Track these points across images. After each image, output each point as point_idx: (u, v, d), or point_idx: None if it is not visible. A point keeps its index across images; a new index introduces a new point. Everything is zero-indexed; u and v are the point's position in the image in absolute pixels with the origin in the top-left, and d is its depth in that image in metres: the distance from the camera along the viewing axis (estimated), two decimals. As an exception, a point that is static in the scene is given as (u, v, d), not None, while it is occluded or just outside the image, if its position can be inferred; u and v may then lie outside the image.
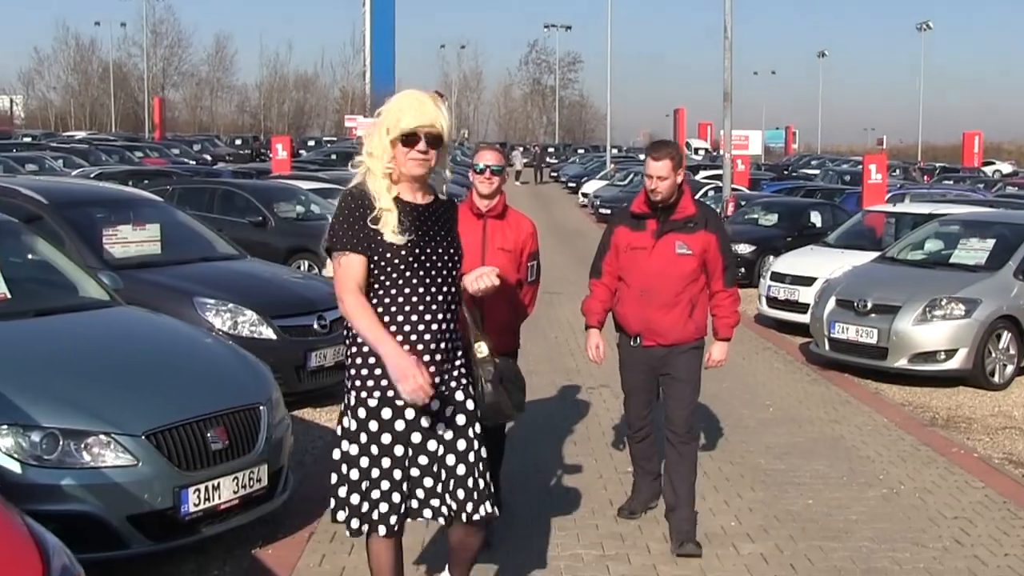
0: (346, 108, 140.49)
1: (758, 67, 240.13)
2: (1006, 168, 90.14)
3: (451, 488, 5.86)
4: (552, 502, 9.33)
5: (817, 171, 66.80)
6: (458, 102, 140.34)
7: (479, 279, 5.99)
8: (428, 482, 5.84)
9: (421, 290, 5.76)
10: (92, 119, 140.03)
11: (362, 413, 5.75)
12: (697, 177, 45.93)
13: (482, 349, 6.13)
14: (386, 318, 5.70)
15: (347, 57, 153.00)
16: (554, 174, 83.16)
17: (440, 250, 5.84)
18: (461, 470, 5.86)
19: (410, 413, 5.73)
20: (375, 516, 5.78)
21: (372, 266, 5.71)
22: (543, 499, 9.44)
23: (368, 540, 5.94)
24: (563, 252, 29.94)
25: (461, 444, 5.89)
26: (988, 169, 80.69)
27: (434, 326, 5.78)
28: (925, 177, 65.62)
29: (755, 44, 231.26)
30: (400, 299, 5.74)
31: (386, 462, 5.75)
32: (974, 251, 16.34)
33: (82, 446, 6.74)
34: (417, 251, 5.76)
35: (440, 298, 5.82)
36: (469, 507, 5.86)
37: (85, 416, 6.75)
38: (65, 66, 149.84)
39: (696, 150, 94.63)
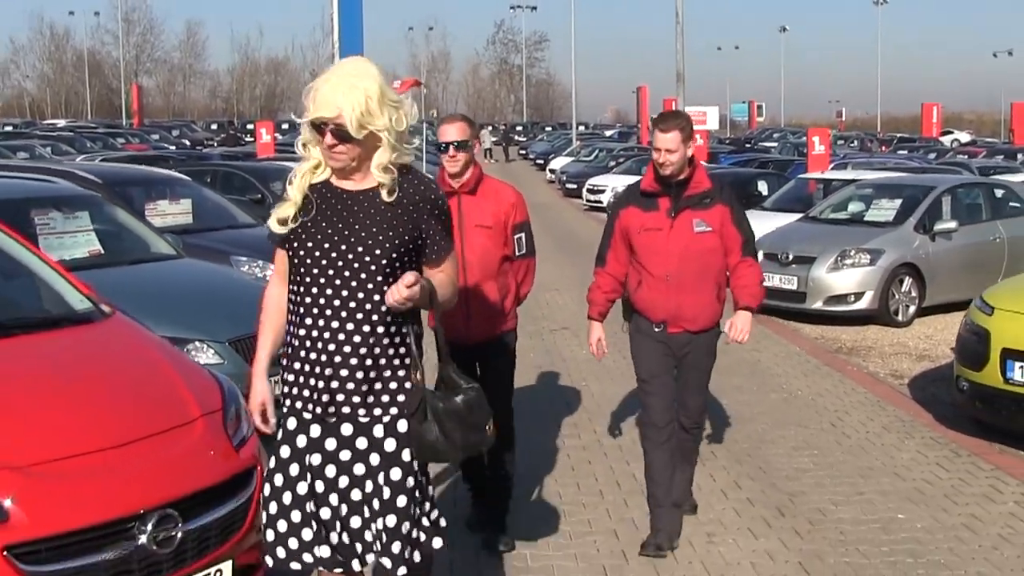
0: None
1: (722, 42, 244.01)
2: (964, 138, 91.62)
3: (351, 529, 4.99)
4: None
5: (775, 144, 69.22)
6: (427, 83, 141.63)
7: (388, 294, 4.71)
8: (325, 513, 4.98)
9: (315, 291, 4.89)
10: (67, 107, 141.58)
11: (284, 422, 5.06)
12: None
13: (415, 377, 4.91)
14: (295, 318, 4.97)
15: (317, 40, 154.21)
16: (522, 152, 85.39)
17: (346, 246, 4.86)
18: (366, 513, 4.94)
19: (315, 430, 4.94)
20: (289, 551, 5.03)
21: (288, 257, 5.02)
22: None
23: None
24: (533, 224, 32.37)
25: (368, 485, 4.92)
26: (946, 139, 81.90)
27: (326, 335, 4.87)
28: (882, 147, 67.84)
29: (718, 20, 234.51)
30: (300, 301, 4.94)
31: (278, 479, 5.00)
32: (884, 210, 18.97)
33: (184, 350, 9.22)
34: (313, 245, 4.90)
35: (352, 304, 4.86)
36: (375, 557, 4.98)
37: (184, 328, 9.27)
38: (40, 55, 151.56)
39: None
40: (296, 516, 4.98)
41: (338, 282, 4.84)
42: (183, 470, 5.65)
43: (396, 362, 4.94)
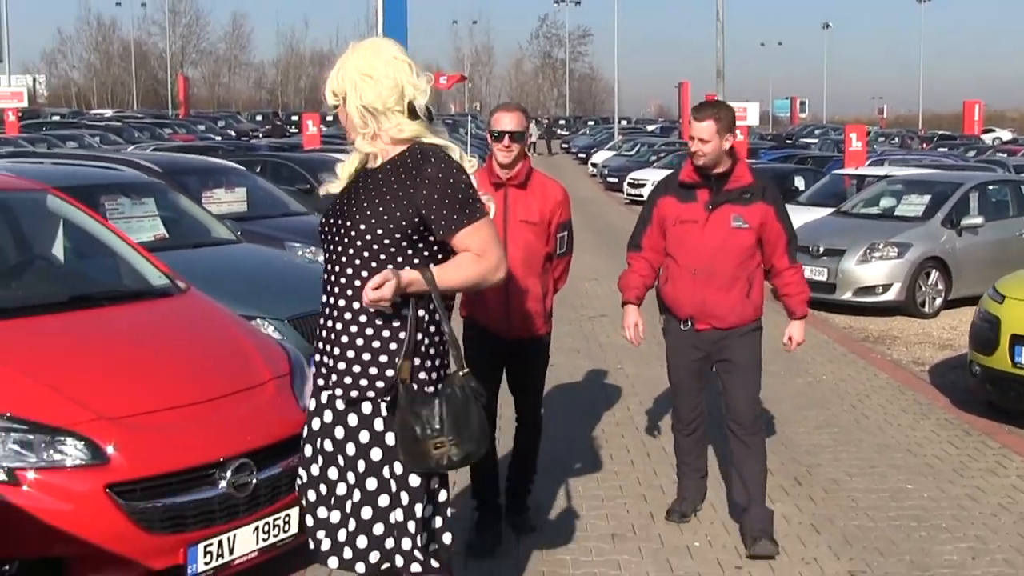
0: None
1: (765, 38, 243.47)
2: (1006, 135, 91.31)
3: (351, 529, 4.85)
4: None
5: (815, 140, 69.61)
6: (471, 76, 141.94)
7: (365, 292, 4.62)
8: (322, 512, 4.94)
9: (327, 271, 4.94)
10: (114, 97, 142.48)
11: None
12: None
13: (403, 370, 4.72)
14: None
15: (362, 33, 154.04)
16: (564, 145, 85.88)
17: (338, 224, 4.92)
18: (367, 513, 4.81)
19: (328, 416, 4.89)
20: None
21: None
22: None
23: None
24: (574, 217, 33.04)
25: (371, 483, 4.80)
26: (988, 137, 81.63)
27: (326, 311, 4.91)
28: (923, 144, 68.14)
29: (762, 16, 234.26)
30: (323, 275, 4.99)
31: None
32: (914, 205, 19.58)
33: (246, 326, 9.93)
34: (322, 223, 5.04)
35: (343, 281, 4.85)
36: (372, 558, 4.83)
37: (245, 307, 9.94)
38: (87, 45, 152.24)
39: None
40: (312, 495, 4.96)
41: (344, 259, 4.82)
42: (257, 425, 6.46)
43: (392, 346, 4.75)
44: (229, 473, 6.11)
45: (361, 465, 4.77)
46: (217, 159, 19.93)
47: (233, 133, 73.06)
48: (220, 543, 6.14)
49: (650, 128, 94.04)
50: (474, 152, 38.02)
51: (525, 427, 7.96)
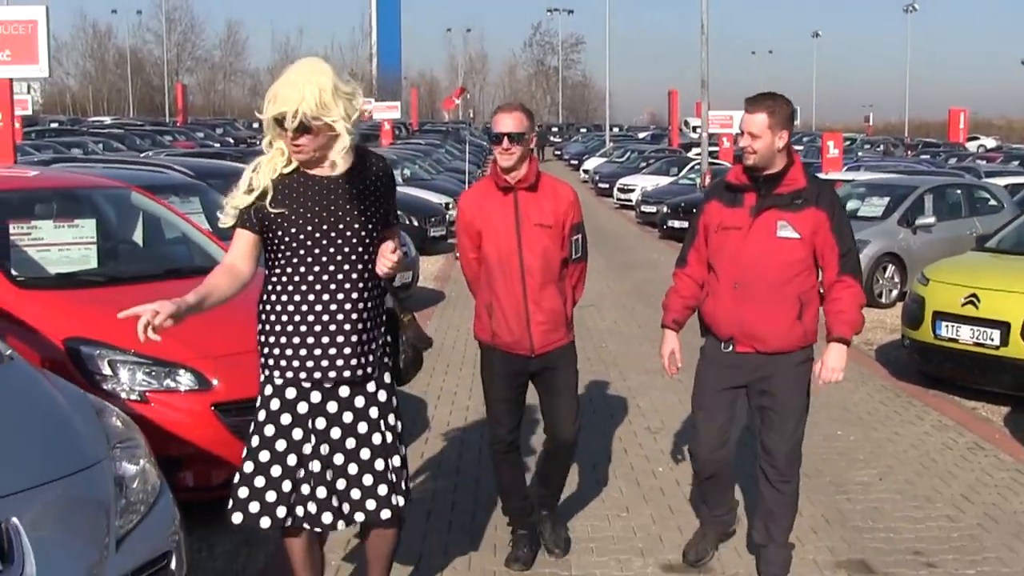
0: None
1: (756, 47, 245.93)
2: (990, 143, 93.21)
3: (363, 484, 5.53)
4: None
5: (802, 147, 71.36)
6: (464, 83, 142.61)
7: (380, 260, 5.40)
8: (329, 475, 5.51)
9: (303, 270, 5.39)
10: (109, 105, 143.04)
11: (267, 391, 5.56)
12: (690, 154, 50.87)
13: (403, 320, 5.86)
14: (284, 296, 5.45)
15: (356, 41, 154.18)
16: (557, 152, 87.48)
17: (327, 226, 5.38)
18: (379, 465, 5.55)
19: (315, 396, 5.47)
20: (263, 507, 5.48)
21: (267, 242, 5.45)
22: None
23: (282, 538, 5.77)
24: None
25: (376, 438, 5.56)
26: (972, 144, 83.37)
27: (325, 310, 5.41)
28: (908, 152, 69.97)
29: (753, 25, 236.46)
30: (289, 280, 5.44)
31: (280, 445, 5.48)
32: (874, 206, 21.51)
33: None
34: (295, 229, 5.36)
35: (340, 277, 5.41)
36: (376, 505, 5.55)
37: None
38: (83, 52, 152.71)
39: (693, 128, 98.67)
40: (276, 471, 5.49)
41: (325, 259, 5.37)
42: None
43: (379, 320, 5.64)
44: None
45: (363, 427, 5.59)
46: (237, 163, 21.73)
47: (232, 140, 74.10)
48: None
49: (641, 135, 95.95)
50: (472, 161, 39.72)
51: (559, 448, 7.44)
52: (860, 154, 59.94)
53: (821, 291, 6.84)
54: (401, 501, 5.63)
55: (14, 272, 8.55)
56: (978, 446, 10.62)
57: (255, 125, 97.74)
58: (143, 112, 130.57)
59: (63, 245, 9.07)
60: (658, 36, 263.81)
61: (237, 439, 7.65)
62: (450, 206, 28.08)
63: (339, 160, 5.35)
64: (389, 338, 5.76)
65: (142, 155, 34.10)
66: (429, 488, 9.05)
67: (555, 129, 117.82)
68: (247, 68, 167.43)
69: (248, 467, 5.49)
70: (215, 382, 7.80)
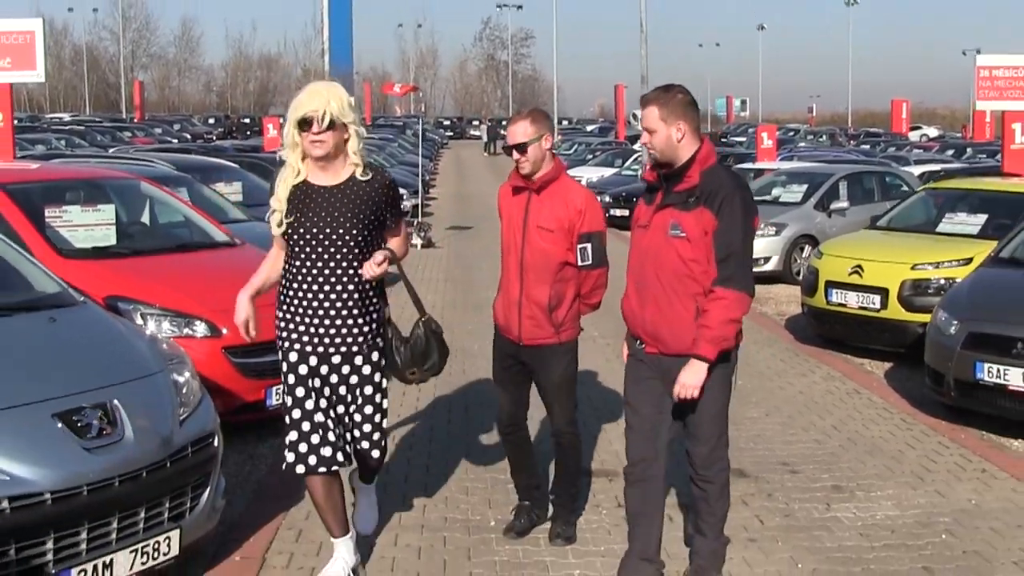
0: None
1: (704, 40, 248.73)
2: (932, 132, 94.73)
3: (356, 434, 6.82)
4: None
5: (745, 138, 72.83)
6: (415, 78, 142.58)
7: (364, 269, 6.51)
8: (332, 420, 6.67)
9: (309, 264, 6.52)
10: (65, 101, 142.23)
11: (282, 356, 6.72)
12: (635, 146, 52.28)
13: (385, 314, 6.84)
14: (294, 285, 6.61)
15: (308, 36, 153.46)
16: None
17: (329, 229, 6.44)
18: (379, 417, 6.86)
19: (313, 360, 6.59)
20: (304, 451, 6.60)
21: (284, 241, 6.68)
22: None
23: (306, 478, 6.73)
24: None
25: (356, 395, 6.75)
26: (915, 134, 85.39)
27: (322, 295, 6.54)
28: (850, 141, 71.79)
29: (700, 17, 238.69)
30: (297, 271, 6.58)
31: (310, 403, 6.62)
32: (794, 192, 23.56)
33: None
34: (303, 231, 6.47)
35: (327, 271, 6.51)
36: (366, 445, 6.84)
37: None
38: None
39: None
40: (314, 420, 6.62)
41: (326, 256, 6.49)
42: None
43: (367, 309, 6.69)
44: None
45: (369, 389, 6.81)
46: (217, 159, 23.40)
47: (189, 136, 74.57)
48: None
49: (589, 128, 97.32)
50: (425, 154, 40.71)
51: (556, 441, 7.75)
52: (802, 144, 61.73)
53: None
54: (378, 455, 6.98)
55: (57, 245, 10.41)
56: (856, 392, 12.65)
57: (211, 120, 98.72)
58: (99, 109, 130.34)
59: (88, 226, 10.97)
60: (605, 31, 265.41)
61: (241, 375, 9.61)
62: (405, 197, 29.32)
63: (352, 157, 6.52)
64: (381, 330, 6.85)
65: (110, 151, 35.73)
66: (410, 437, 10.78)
67: (505, 122, 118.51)
68: (201, 64, 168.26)
69: (305, 425, 6.62)
70: (224, 331, 9.68)
